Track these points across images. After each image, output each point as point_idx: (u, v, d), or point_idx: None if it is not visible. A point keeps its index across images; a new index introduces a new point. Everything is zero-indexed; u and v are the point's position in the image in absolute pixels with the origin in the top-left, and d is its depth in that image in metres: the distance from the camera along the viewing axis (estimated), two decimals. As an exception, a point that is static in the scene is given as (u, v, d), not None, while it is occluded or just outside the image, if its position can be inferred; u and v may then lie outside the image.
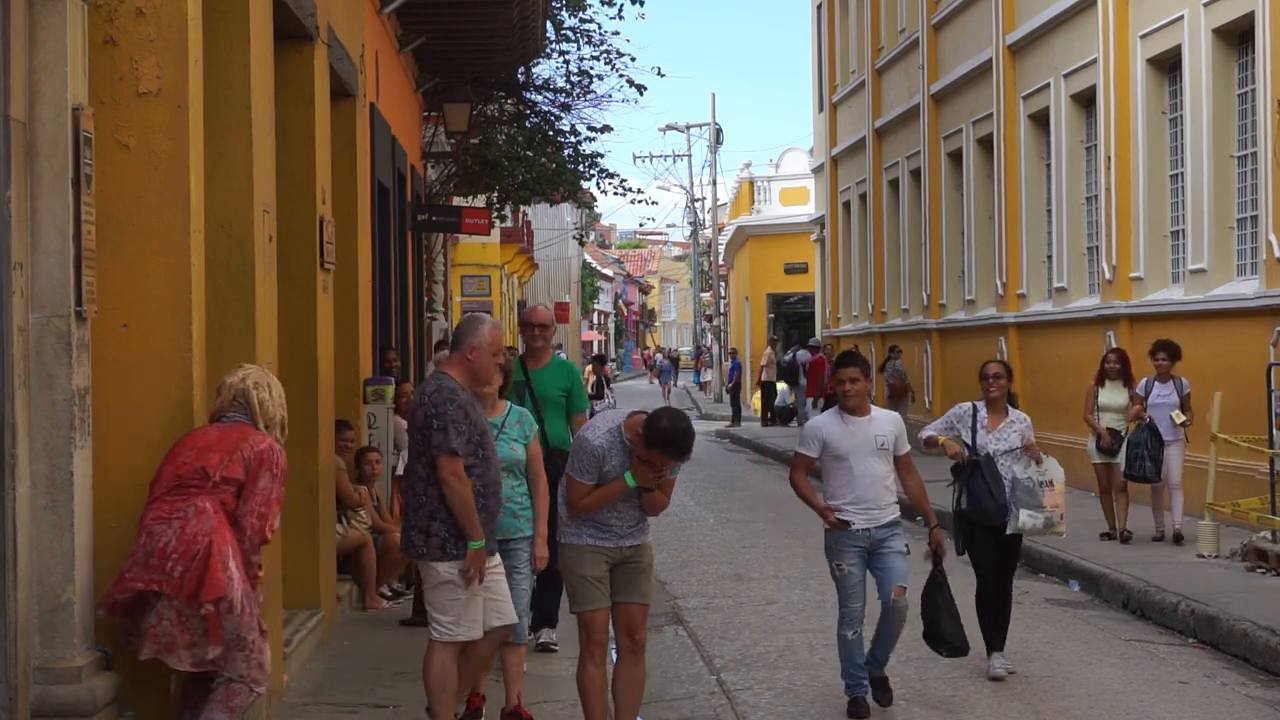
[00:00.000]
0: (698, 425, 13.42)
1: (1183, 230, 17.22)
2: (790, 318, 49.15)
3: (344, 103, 12.25)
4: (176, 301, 6.99)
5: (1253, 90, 15.62)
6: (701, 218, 62.85)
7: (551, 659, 9.61)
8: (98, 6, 6.86)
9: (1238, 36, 16.12)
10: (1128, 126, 18.35)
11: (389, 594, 11.91)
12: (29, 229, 6.31)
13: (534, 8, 16.73)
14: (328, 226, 10.61)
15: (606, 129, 29.41)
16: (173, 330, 6.99)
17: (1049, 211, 21.52)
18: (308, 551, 9.97)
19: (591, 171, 25.58)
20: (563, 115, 24.63)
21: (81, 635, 6.46)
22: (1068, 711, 8.67)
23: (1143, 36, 17.93)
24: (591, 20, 23.81)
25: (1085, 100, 20.11)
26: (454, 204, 23.17)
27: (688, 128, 62.11)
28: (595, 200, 46.39)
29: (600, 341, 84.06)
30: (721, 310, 59.62)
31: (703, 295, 69.14)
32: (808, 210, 44.29)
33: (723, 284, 60.97)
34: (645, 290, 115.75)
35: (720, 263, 58.30)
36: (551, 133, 24.87)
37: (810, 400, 28.55)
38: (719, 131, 57.11)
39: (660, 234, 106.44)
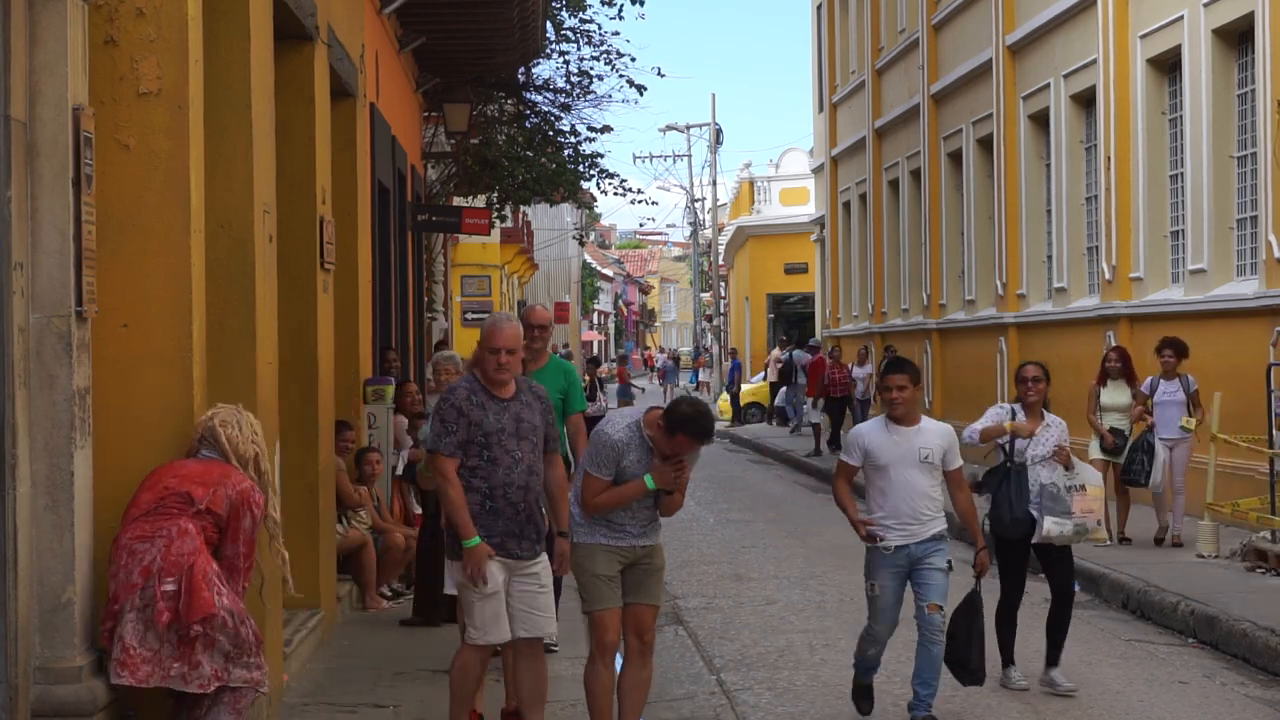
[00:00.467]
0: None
1: (1183, 230, 17.22)
2: (790, 318, 49.16)
3: (344, 103, 12.25)
4: (176, 301, 6.99)
5: (1252, 90, 15.62)
6: (701, 218, 62.83)
7: (551, 659, 9.56)
8: (98, 6, 6.86)
9: (1238, 36, 16.12)
10: (1128, 126, 18.36)
11: (389, 594, 11.91)
12: (29, 229, 6.31)
13: (534, 8, 16.74)
14: (328, 226, 10.61)
15: (606, 129, 29.46)
16: (173, 330, 6.99)
17: (1049, 211, 21.52)
18: (308, 551, 9.97)
19: (591, 171, 25.58)
20: (563, 115, 24.64)
21: (81, 635, 6.46)
22: (1067, 711, 8.67)
23: (1143, 36, 17.93)
24: (591, 20, 23.83)
25: (1085, 100, 20.12)
26: (454, 204, 23.18)
27: (688, 128, 62.08)
28: (595, 200, 46.40)
29: (601, 342, 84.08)
30: (721, 310, 59.63)
31: (703, 295, 69.10)
32: (808, 210, 44.30)
33: (723, 284, 60.98)
34: (645, 290, 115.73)
35: (720, 263, 58.29)
36: (551, 133, 24.87)
37: (810, 400, 28.51)
38: (719, 131, 57.08)
39: (660, 234, 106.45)
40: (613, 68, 24.11)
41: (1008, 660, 9.26)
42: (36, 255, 6.35)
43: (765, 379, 38.21)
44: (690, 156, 64.49)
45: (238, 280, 7.99)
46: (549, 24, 21.36)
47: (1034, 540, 9.10)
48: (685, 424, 7.05)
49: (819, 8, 36.84)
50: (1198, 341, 15.47)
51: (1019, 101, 22.21)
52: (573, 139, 25.15)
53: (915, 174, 28.03)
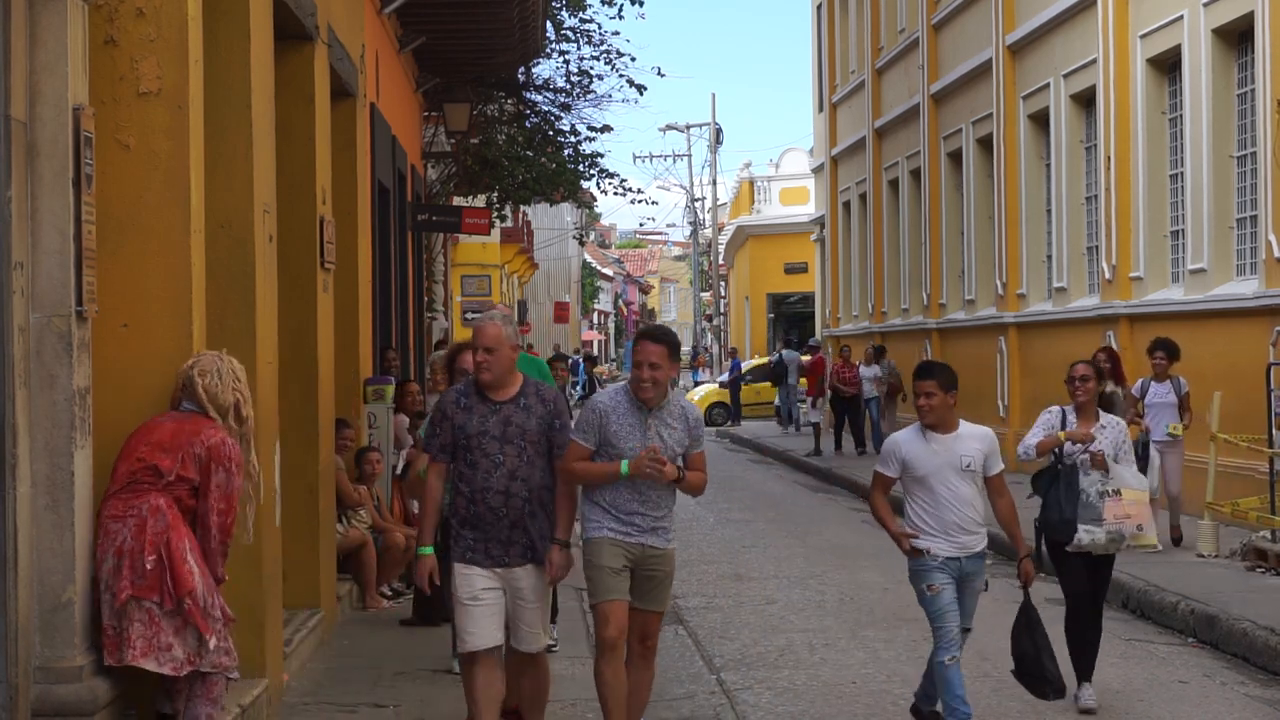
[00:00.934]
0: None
1: (1182, 230, 17.22)
2: (790, 317, 49.18)
3: (344, 103, 12.26)
4: (176, 301, 7.00)
5: (1252, 90, 15.62)
6: (701, 218, 62.88)
7: (551, 659, 9.58)
8: (98, 6, 6.87)
9: (1237, 36, 16.12)
10: (1128, 126, 18.36)
11: (389, 594, 11.91)
12: (29, 229, 6.31)
13: (534, 8, 16.75)
14: (328, 226, 10.62)
15: (606, 129, 29.46)
16: (173, 330, 7.00)
17: (1049, 211, 21.52)
18: (308, 551, 9.98)
19: (591, 171, 25.61)
20: (563, 115, 24.67)
21: (82, 635, 6.46)
22: (1067, 711, 8.67)
23: (1143, 36, 17.93)
24: (591, 20, 23.86)
25: (1085, 100, 20.12)
26: (454, 204, 23.19)
27: (688, 128, 62.17)
28: (595, 200, 46.43)
29: (600, 342, 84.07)
30: (721, 310, 59.66)
31: (703, 295, 69.15)
32: (808, 210, 44.32)
33: (723, 284, 61.01)
34: (645, 290, 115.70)
35: (720, 263, 58.33)
36: (551, 133, 24.90)
37: (810, 400, 28.52)
38: (719, 131, 57.19)
39: (660, 234, 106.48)
40: (613, 67, 24.16)
41: (1082, 677, 8.75)
42: (37, 255, 6.36)
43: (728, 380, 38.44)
44: (690, 156, 64.68)
45: (238, 280, 8.00)
46: (549, 24, 21.38)
47: (1068, 549, 8.74)
48: (643, 332, 7.29)
49: (819, 8, 36.85)
50: (1197, 341, 15.48)
51: (1019, 101, 22.22)
52: (573, 139, 25.20)
53: (915, 174, 28.03)
